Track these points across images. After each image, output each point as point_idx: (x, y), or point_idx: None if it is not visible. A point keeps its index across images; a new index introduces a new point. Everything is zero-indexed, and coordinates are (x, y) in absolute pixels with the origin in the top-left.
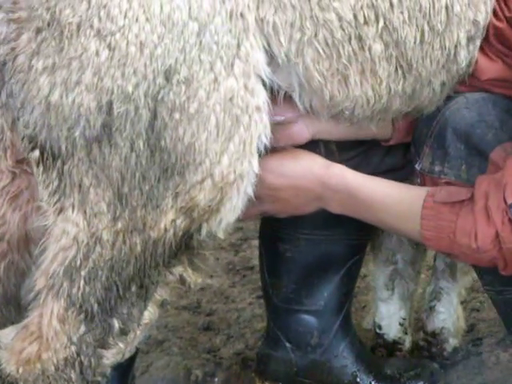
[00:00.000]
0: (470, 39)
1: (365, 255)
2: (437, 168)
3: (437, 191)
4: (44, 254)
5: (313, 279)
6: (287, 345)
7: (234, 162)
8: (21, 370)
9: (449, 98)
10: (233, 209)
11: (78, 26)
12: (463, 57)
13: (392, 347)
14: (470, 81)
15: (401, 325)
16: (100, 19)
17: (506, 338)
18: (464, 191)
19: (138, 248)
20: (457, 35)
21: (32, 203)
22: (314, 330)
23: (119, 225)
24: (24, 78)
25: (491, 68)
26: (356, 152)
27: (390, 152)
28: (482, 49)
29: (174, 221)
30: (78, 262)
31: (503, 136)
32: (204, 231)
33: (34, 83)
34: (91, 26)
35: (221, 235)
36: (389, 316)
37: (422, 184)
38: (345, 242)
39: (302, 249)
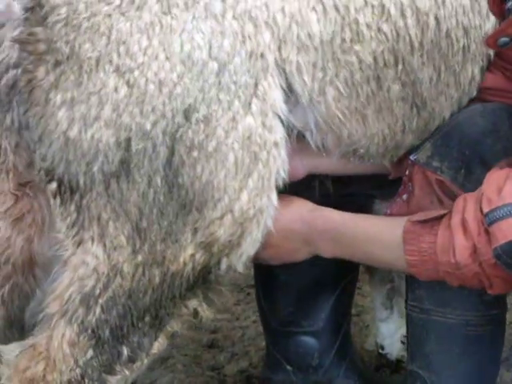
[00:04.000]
0: (482, 70)
1: (359, 273)
2: (434, 163)
3: (415, 215)
4: (58, 280)
5: (309, 301)
6: (288, 367)
7: (254, 197)
8: None
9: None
10: (253, 242)
11: (97, 61)
12: (475, 88)
13: (396, 366)
14: None
15: (403, 343)
16: (119, 55)
17: (509, 357)
18: (443, 210)
19: (157, 280)
20: (471, 71)
21: (35, 227)
22: (315, 351)
23: (139, 258)
24: (41, 111)
25: (489, 77)
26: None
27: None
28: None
29: (193, 255)
30: (97, 292)
31: None
32: (224, 265)
33: (52, 117)
34: (110, 62)
35: (240, 269)
36: (390, 335)
37: (409, 177)
38: (337, 261)
39: (296, 271)
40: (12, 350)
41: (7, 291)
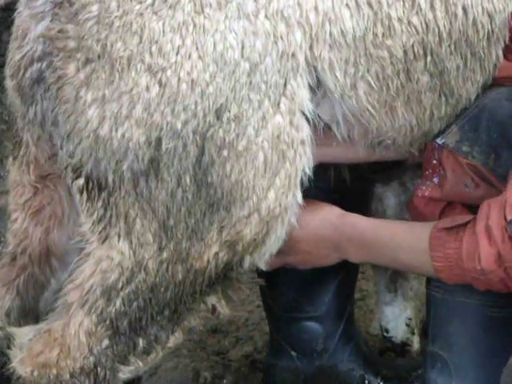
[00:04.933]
0: (504, 52)
1: None
2: (464, 148)
3: (441, 221)
4: (78, 269)
5: (312, 286)
6: (292, 353)
7: (280, 196)
8: (36, 373)
9: (490, 88)
10: (277, 240)
11: (129, 60)
12: (497, 68)
13: (401, 349)
14: None
15: (407, 325)
16: (151, 54)
17: None
18: (468, 216)
19: (180, 276)
20: (495, 55)
21: (54, 218)
22: (319, 336)
23: (164, 255)
24: (71, 109)
25: (509, 66)
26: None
27: None
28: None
29: (217, 253)
30: (120, 285)
31: None
32: (247, 263)
33: (82, 115)
34: (142, 61)
35: (262, 267)
36: (394, 318)
37: (439, 160)
38: None
39: None
40: (26, 333)
41: (22, 281)
